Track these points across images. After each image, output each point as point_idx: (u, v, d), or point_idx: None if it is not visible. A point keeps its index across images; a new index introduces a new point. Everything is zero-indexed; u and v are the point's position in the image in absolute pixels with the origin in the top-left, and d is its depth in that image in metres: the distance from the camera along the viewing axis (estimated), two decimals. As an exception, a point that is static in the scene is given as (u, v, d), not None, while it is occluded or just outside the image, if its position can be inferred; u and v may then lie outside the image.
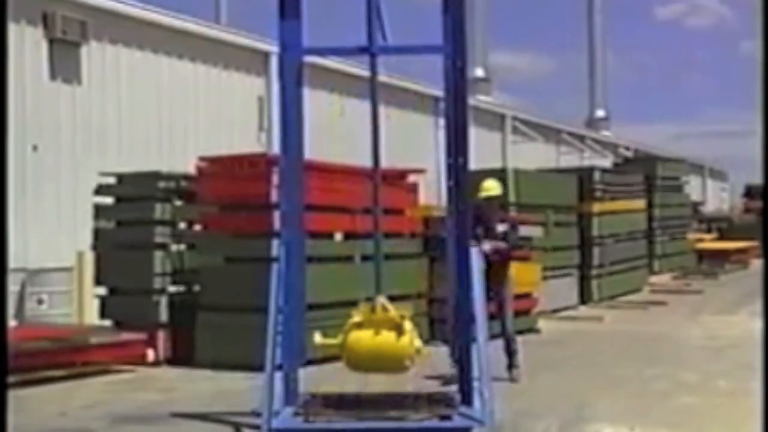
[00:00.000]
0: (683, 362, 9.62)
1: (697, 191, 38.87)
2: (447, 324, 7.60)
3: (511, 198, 13.50)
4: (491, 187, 8.82)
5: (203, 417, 6.96)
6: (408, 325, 6.33)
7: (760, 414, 5.41)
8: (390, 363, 6.21)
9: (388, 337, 6.21)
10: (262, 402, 6.06)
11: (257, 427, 6.11)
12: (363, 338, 6.25)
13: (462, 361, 6.52)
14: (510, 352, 8.61)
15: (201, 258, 10.11)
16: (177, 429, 6.70)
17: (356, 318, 6.34)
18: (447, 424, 6.04)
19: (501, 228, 8.77)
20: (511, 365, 8.63)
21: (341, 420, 6.09)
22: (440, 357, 8.03)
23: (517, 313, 11.09)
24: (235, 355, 9.16)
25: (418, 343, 6.32)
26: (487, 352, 6.14)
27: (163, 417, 7.07)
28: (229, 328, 9.50)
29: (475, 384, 6.28)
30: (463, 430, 5.89)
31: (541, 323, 12.74)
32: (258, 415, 6.20)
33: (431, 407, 6.32)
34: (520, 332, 9.27)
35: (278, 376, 6.29)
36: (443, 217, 7.57)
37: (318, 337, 6.49)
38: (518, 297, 10.38)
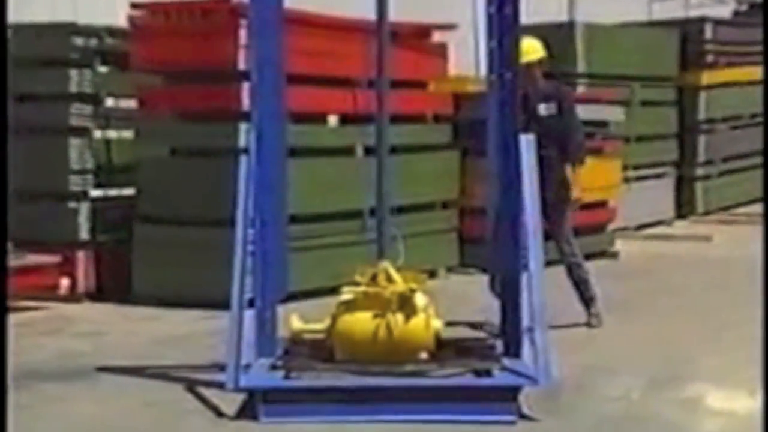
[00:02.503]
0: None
1: None
2: (486, 244, 7.72)
3: (580, 66, 13.60)
4: (528, 50, 8.44)
5: (142, 372, 7.13)
6: (421, 299, 6.49)
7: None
8: (398, 355, 6.40)
9: (393, 320, 6.41)
10: (227, 351, 6.25)
11: (220, 385, 6.31)
12: (359, 323, 6.46)
13: (506, 295, 6.74)
14: (578, 284, 8.72)
15: (138, 149, 10.27)
16: (105, 390, 6.85)
17: (349, 294, 6.53)
18: (484, 381, 6.24)
19: (544, 111, 8.61)
20: (586, 305, 8.72)
21: (336, 376, 6.30)
22: (476, 291, 8.22)
23: (586, 230, 11.30)
24: (188, 286, 9.41)
25: (437, 324, 6.52)
26: (542, 283, 6.28)
27: (86, 372, 7.22)
28: (179, 249, 9.72)
29: (525, 328, 6.45)
30: (508, 391, 6.05)
31: (620, 245, 12.94)
32: (221, 369, 6.38)
33: (462, 359, 6.53)
34: (589, 257, 9.41)
35: (249, 315, 6.48)
36: (482, 92, 7.64)
37: (295, 321, 6.69)
38: (587, 207, 10.46)
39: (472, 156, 11.23)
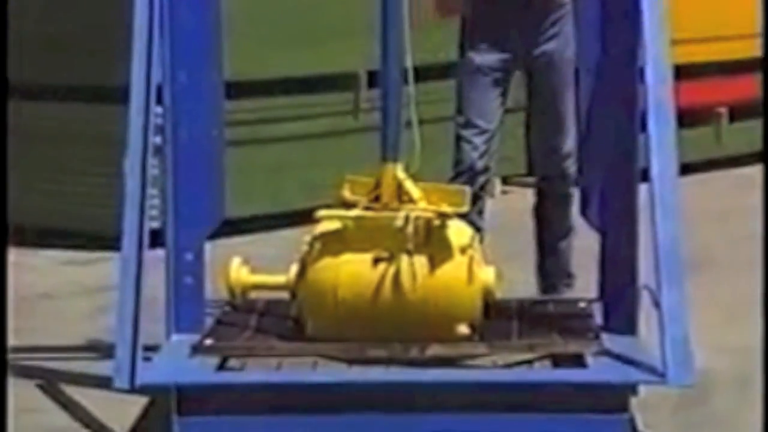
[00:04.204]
0: None
1: None
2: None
3: None
4: None
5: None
6: (459, 232, 6.41)
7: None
8: (418, 329, 6.34)
9: (409, 267, 6.28)
10: (117, 323, 6.09)
11: (104, 382, 6.18)
12: (347, 273, 6.38)
13: (610, 225, 6.67)
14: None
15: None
16: None
17: (330, 223, 6.42)
18: (571, 375, 6.11)
19: None
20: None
21: (307, 365, 6.27)
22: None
23: (702, 114, 11.09)
24: (48, 211, 9.62)
25: (487, 274, 6.42)
26: (676, 202, 6.06)
27: None
28: (41, 142, 9.78)
29: (643, 286, 6.42)
30: (613, 392, 5.91)
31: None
32: (107, 353, 6.35)
33: (531, 336, 6.48)
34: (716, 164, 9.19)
35: (154, 258, 6.33)
36: None
37: (236, 270, 6.61)
38: (718, 70, 10.31)
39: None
